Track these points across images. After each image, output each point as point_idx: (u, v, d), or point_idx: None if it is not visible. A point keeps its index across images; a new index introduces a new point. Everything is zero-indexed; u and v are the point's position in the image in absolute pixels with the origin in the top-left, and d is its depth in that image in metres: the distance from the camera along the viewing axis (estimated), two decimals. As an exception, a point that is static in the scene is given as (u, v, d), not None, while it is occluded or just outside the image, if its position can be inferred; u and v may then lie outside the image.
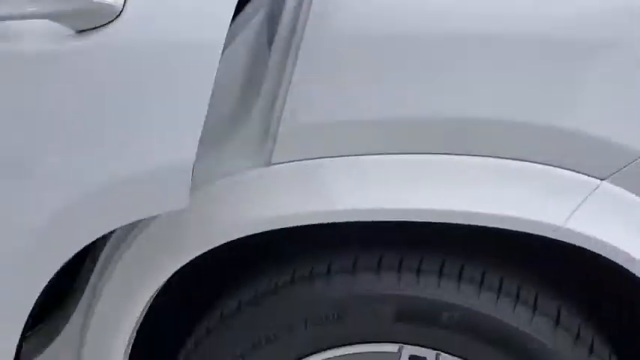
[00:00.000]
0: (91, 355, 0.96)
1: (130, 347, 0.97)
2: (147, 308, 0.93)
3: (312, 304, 0.91)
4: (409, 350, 0.91)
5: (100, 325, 0.94)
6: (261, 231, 0.86)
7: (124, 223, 0.83)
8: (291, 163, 0.85)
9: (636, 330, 0.97)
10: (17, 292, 0.84)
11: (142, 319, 0.94)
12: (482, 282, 0.88)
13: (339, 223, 0.86)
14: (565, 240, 0.79)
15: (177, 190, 0.76)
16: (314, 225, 0.87)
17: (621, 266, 0.81)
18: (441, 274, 0.88)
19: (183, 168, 0.75)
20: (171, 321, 1.02)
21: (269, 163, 0.85)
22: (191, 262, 0.89)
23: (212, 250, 0.88)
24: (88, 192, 0.77)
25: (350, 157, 0.83)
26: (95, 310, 0.93)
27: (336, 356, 0.94)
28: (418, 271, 0.88)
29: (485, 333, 0.87)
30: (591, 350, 0.88)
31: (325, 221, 0.85)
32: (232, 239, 0.86)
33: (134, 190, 0.78)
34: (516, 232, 0.84)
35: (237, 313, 0.94)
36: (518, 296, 0.87)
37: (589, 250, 0.82)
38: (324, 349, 0.93)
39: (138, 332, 0.96)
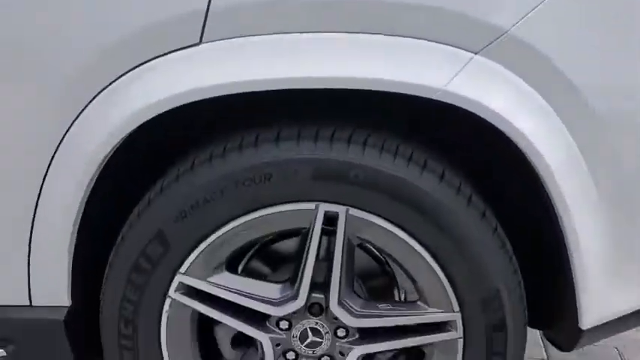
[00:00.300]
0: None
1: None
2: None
3: (242, 169, 1.08)
4: (324, 207, 1.10)
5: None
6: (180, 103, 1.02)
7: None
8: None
9: (505, 182, 1.19)
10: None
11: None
12: (382, 147, 1.07)
13: (264, 100, 1.03)
14: (444, 100, 0.99)
15: None
16: (243, 102, 1.04)
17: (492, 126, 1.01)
18: (349, 141, 1.06)
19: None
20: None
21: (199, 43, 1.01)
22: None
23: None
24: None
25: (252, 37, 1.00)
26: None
27: (262, 215, 1.11)
28: (331, 139, 1.06)
29: (384, 187, 1.06)
30: (469, 201, 1.09)
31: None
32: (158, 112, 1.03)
33: None
34: (411, 104, 1.03)
35: (176, 180, 1.10)
36: (411, 158, 1.07)
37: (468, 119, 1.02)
38: (253, 210, 1.11)
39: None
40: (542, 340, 2.04)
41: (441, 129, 1.15)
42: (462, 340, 1.16)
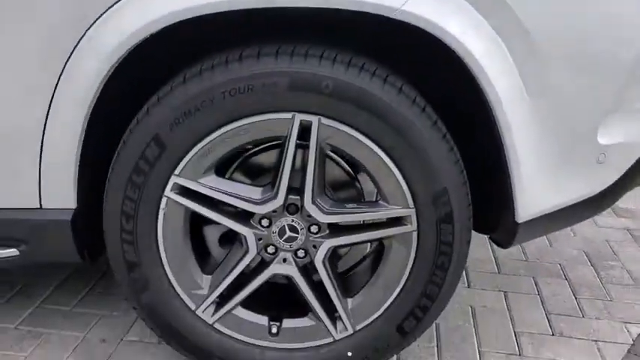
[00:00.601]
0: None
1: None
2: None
3: (228, 81, 1.24)
4: (299, 116, 1.28)
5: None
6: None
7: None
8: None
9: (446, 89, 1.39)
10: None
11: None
12: (349, 63, 1.24)
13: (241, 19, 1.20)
14: (401, 19, 1.16)
15: None
16: (226, 23, 1.21)
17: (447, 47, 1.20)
18: (321, 57, 1.24)
19: None
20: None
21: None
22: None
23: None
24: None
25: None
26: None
27: (246, 124, 1.28)
28: (305, 55, 1.24)
29: (350, 97, 1.24)
30: (423, 110, 1.27)
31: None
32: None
33: None
34: (372, 25, 1.20)
35: (171, 91, 1.27)
36: (374, 73, 1.25)
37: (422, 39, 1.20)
38: (238, 118, 1.28)
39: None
40: (491, 245, 2.29)
41: (391, 46, 1.33)
42: (416, 232, 1.36)
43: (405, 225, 1.36)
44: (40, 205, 1.40)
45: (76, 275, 2.05)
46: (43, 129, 1.31)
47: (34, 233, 1.43)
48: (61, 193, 1.38)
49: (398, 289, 1.41)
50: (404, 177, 1.31)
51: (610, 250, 2.30)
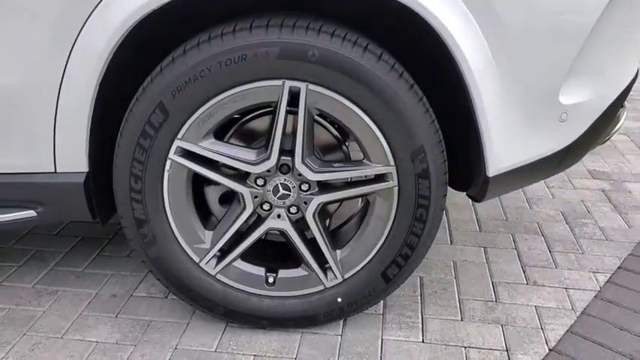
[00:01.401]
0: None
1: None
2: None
3: (223, 51, 1.37)
4: (289, 83, 1.41)
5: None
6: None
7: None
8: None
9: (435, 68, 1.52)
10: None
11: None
12: (333, 33, 1.37)
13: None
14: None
15: None
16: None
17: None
18: (307, 28, 1.37)
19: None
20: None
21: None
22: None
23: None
24: None
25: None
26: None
27: (241, 91, 1.42)
28: (293, 27, 1.37)
29: (334, 65, 1.37)
30: (401, 75, 1.41)
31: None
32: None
33: None
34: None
35: (172, 62, 1.40)
36: (356, 42, 1.38)
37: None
38: (234, 86, 1.41)
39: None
40: (473, 205, 2.44)
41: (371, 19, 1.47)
42: (396, 187, 1.50)
43: (387, 181, 1.50)
44: (55, 169, 1.53)
45: (85, 241, 2.20)
46: (57, 98, 1.44)
47: (49, 195, 1.57)
48: (74, 158, 1.51)
49: (382, 240, 1.57)
50: (384, 137, 1.45)
51: (585, 209, 2.45)
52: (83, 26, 1.36)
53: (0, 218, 1.59)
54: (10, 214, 1.59)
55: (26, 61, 1.40)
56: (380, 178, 1.52)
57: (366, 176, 1.53)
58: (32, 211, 1.60)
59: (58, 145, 1.50)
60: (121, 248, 2.14)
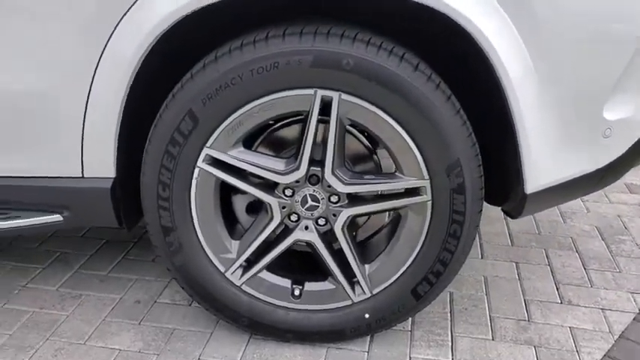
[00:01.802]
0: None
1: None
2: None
3: (255, 59, 1.34)
4: (321, 92, 1.37)
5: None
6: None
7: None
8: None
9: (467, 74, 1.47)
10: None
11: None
12: (368, 42, 1.33)
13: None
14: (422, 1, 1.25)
15: None
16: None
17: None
18: (342, 36, 1.32)
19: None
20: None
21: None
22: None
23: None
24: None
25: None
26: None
27: (272, 99, 1.38)
28: (328, 35, 1.32)
29: (369, 74, 1.32)
30: (437, 86, 1.36)
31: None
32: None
33: None
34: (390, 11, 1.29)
35: (203, 69, 1.37)
36: (392, 51, 1.33)
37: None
38: (265, 94, 1.37)
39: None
40: (505, 219, 2.38)
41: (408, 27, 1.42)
42: (430, 202, 1.45)
43: (420, 195, 1.45)
44: (83, 174, 1.52)
45: (110, 244, 2.19)
46: (85, 103, 1.42)
47: (76, 200, 1.55)
48: (102, 163, 1.49)
49: (413, 256, 1.51)
50: (419, 149, 1.40)
51: (622, 225, 2.37)
52: (114, 31, 1.34)
53: (27, 222, 1.58)
54: (37, 218, 1.58)
55: (56, 65, 1.39)
56: (413, 191, 1.46)
57: (398, 189, 1.49)
58: (59, 215, 1.59)
59: (86, 151, 1.48)
60: (146, 252, 2.13)
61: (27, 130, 1.47)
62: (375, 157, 1.59)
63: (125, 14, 1.32)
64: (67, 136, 1.47)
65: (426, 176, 1.43)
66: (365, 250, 1.63)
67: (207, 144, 1.43)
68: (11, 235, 1.68)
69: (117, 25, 1.34)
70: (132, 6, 1.32)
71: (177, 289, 1.90)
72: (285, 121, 1.56)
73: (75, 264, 2.06)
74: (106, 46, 1.36)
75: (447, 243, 1.48)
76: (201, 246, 1.54)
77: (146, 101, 1.50)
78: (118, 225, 1.59)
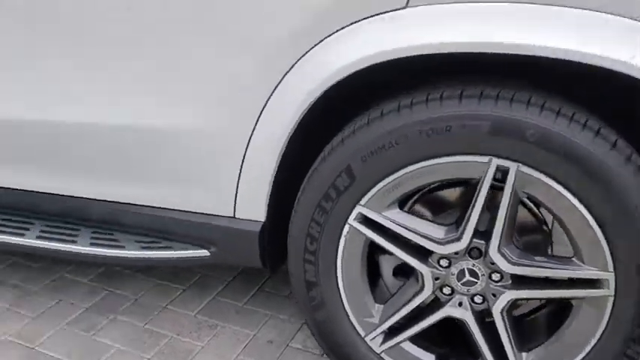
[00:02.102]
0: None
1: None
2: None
3: (426, 119, 1.22)
4: (497, 161, 1.22)
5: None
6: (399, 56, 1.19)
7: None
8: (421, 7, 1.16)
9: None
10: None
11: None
12: (558, 111, 1.16)
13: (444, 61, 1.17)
14: (630, 73, 1.05)
15: None
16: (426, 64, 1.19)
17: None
18: (529, 103, 1.17)
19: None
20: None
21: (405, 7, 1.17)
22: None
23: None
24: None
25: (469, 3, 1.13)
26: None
27: (439, 163, 1.26)
28: (511, 100, 1.18)
29: (556, 148, 1.15)
30: (629, 158, 1.15)
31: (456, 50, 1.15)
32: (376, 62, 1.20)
33: None
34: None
35: (367, 125, 1.28)
36: (585, 124, 1.15)
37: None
38: (431, 157, 1.26)
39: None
40: None
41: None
42: (612, 297, 1.24)
43: (601, 288, 1.25)
44: (234, 214, 1.50)
45: (246, 272, 2.19)
46: (246, 146, 1.40)
47: (225, 239, 1.54)
48: (254, 206, 1.47)
49: (581, 356, 1.31)
50: (607, 239, 1.20)
51: None
52: (289, 70, 1.29)
53: (176, 254, 1.61)
54: (185, 252, 1.60)
55: (223, 103, 1.38)
56: (591, 282, 1.26)
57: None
58: (206, 251, 1.59)
59: (240, 192, 1.46)
60: (282, 287, 2.09)
61: (183, 165, 1.49)
62: (549, 236, 1.41)
63: (305, 54, 1.27)
64: (223, 176, 1.46)
65: (611, 269, 1.22)
66: (522, 332, 1.44)
67: (362, 202, 1.34)
68: (161, 266, 1.73)
69: (294, 64, 1.29)
70: (314, 46, 1.26)
71: (309, 334, 1.83)
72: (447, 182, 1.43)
73: (212, 290, 2.08)
74: (277, 86, 1.32)
75: (628, 349, 1.26)
76: (344, 306, 1.45)
77: (302, 149, 1.44)
78: (262, 267, 1.56)
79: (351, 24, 1.21)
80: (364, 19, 1.20)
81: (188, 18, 1.32)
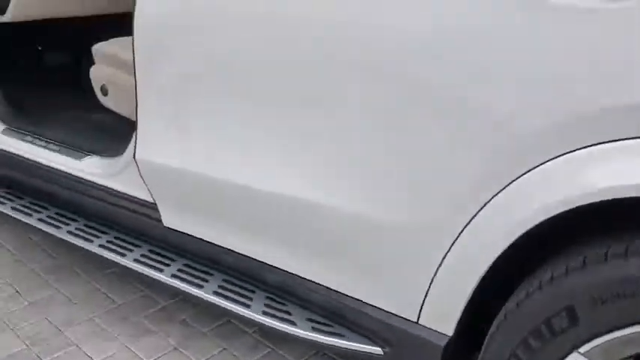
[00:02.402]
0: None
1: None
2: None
3: (609, 283, 1.01)
4: None
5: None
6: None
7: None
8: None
9: None
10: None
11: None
12: None
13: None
14: None
15: None
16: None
17: None
18: None
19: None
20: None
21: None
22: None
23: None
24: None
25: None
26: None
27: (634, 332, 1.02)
28: None
29: None
30: None
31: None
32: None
33: None
34: None
35: (603, 262, 1.06)
36: None
37: None
38: (622, 327, 1.03)
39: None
40: None
41: None
42: None
43: None
44: (418, 319, 1.36)
45: None
46: (445, 252, 1.25)
47: (403, 342, 1.41)
48: (442, 318, 1.32)
49: None
50: None
51: None
52: (504, 188, 1.14)
53: (346, 344, 1.50)
54: (359, 344, 1.49)
55: (435, 201, 1.25)
56: None
57: None
58: (380, 349, 1.47)
59: (429, 298, 1.31)
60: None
61: (378, 256, 1.38)
62: None
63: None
64: (413, 277, 1.32)
65: None
66: None
67: (581, 349, 1.11)
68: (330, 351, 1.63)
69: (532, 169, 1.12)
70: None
71: None
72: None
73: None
74: (489, 200, 1.16)
75: None
76: None
77: (508, 266, 1.26)
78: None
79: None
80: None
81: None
